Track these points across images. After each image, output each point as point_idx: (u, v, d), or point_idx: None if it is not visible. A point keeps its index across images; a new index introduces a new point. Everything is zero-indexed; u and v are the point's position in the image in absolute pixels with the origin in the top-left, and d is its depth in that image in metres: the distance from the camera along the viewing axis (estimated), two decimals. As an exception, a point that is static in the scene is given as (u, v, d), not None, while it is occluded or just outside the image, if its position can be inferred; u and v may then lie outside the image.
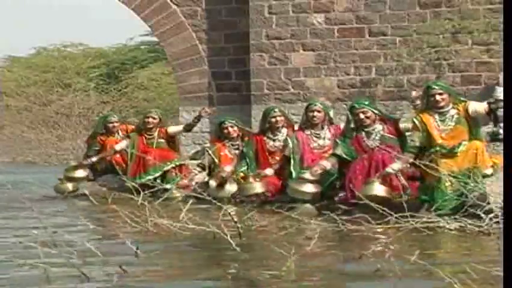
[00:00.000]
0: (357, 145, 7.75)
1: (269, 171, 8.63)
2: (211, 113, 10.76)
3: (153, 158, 9.89)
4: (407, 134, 7.72)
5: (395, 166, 7.27)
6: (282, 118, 9.03)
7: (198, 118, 10.43)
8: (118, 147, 10.28)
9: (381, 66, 12.58)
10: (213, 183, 8.98)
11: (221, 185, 8.87)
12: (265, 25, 12.89)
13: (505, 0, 4.90)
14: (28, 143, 23.21)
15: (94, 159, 10.43)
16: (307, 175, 7.78)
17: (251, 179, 8.54)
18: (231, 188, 8.83)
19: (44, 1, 61.65)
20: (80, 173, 10.41)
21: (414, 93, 9.97)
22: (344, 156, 7.73)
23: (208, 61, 13.59)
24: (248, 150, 9.05)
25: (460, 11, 12.36)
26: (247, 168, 8.94)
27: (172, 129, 10.55)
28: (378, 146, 7.66)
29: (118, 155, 10.33)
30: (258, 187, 8.48)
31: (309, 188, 7.72)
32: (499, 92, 7.61)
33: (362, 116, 7.72)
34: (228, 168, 9.07)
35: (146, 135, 10.21)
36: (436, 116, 7.13)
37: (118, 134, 10.65)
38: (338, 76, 12.71)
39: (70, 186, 10.33)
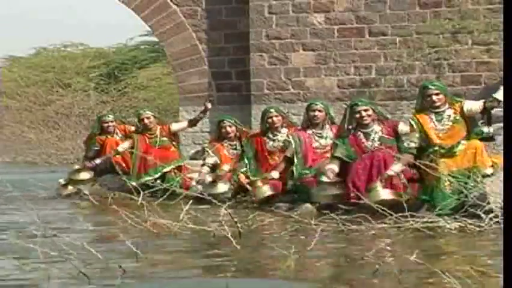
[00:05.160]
0: (356, 146, 7.75)
1: (275, 174, 8.54)
2: (212, 100, 10.82)
3: (154, 158, 9.86)
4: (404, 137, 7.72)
5: (396, 168, 7.24)
6: (279, 118, 9.01)
7: (204, 112, 10.42)
8: (120, 148, 10.24)
9: (381, 66, 12.58)
10: (208, 177, 9.19)
11: (215, 181, 9.08)
12: (265, 25, 12.89)
13: (505, 0, 4.90)
14: (28, 143, 23.17)
15: (98, 161, 10.36)
16: (324, 178, 7.75)
17: (259, 183, 8.51)
18: (224, 186, 8.97)
19: (44, 1, 61.68)
20: (85, 175, 10.41)
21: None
22: (344, 158, 7.72)
23: (208, 61, 13.58)
24: (248, 151, 9.06)
25: (460, 11, 12.35)
26: (248, 168, 8.95)
27: (175, 126, 10.51)
28: (377, 147, 7.66)
29: (118, 155, 10.31)
30: (268, 190, 8.46)
31: (333, 191, 7.68)
32: (499, 93, 7.58)
33: (363, 113, 7.70)
34: (226, 167, 9.21)
35: (148, 135, 10.19)
36: (433, 116, 7.13)
37: (117, 134, 10.61)
38: (338, 76, 12.70)
39: (72, 188, 10.32)
